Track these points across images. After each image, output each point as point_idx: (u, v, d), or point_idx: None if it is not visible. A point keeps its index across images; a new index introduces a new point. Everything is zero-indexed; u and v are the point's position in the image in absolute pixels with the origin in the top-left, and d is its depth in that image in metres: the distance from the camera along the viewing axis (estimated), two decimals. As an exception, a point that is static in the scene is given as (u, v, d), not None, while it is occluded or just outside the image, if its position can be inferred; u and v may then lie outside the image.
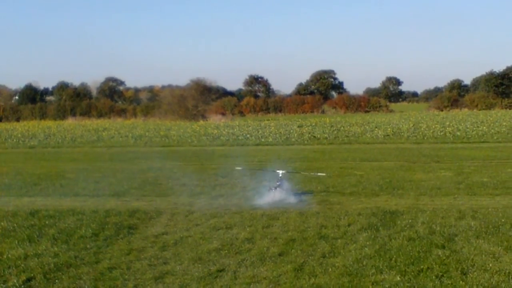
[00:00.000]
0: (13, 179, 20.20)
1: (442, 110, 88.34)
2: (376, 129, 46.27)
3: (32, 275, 8.73)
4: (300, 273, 8.58)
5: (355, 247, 9.91)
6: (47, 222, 12.34)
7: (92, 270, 8.92)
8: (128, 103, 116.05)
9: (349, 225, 11.51)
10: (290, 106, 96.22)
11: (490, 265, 8.74)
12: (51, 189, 17.65)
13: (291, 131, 46.82)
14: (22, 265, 9.24)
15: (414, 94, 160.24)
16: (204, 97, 78.16)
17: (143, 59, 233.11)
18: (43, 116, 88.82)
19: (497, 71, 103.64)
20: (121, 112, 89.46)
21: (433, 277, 8.25)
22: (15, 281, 8.45)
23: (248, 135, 43.35)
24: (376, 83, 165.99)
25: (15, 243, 10.60)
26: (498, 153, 27.24)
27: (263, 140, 39.89)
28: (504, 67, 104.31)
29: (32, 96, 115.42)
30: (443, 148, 31.14)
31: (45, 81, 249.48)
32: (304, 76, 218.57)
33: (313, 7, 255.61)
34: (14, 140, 44.78)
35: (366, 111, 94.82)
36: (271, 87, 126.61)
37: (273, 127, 50.98)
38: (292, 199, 14.24)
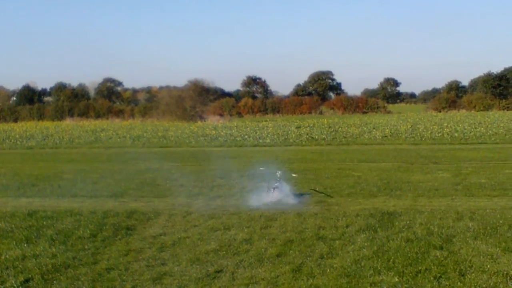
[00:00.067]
0: (10, 179, 20.17)
1: (440, 111, 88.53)
2: (374, 130, 46.31)
3: (30, 276, 8.71)
4: (298, 274, 8.59)
5: (353, 248, 9.91)
6: (45, 223, 12.32)
7: (90, 271, 8.91)
8: (126, 104, 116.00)
9: (347, 226, 11.52)
10: (288, 107, 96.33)
11: (488, 266, 8.75)
12: (49, 190, 17.63)
13: (289, 132, 46.86)
14: (20, 266, 9.23)
15: (412, 95, 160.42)
16: (202, 98, 78.24)
17: (141, 60, 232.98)
18: (41, 117, 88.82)
19: (495, 72, 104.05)
20: (119, 113, 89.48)
21: (431, 278, 8.26)
22: (12, 282, 8.43)
23: (246, 136, 43.35)
24: (374, 84, 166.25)
25: (13, 244, 10.59)
26: (496, 154, 27.28)
27: (261, 141, 39.90)
28: (502, 68, 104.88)
29: (30, 97, 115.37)
30: (441, 149, 31.17)
31: (43, 81, 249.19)
32: (302, 77, 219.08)
33: (311, 8, 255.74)
34: (12, 140, 44.72)
35: (364, 112, 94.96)
36: (269, 88, 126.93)
37: (271, 128, 51.01)
38: (291, 200, 14.25)
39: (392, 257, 9.23)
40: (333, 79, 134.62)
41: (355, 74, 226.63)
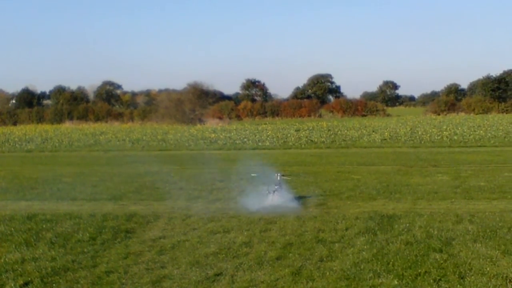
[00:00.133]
0: (10, 183, 20.17)
1: (439, 114, 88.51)
2: (373, 133, 46.33)
3: (29, 279, 8.71)
4: (298, 277, 8.59)
5: (352, 251, 9.92)
6: (44, 226, 12.32)
7: (89, 274, 8.91)
8: (125, 107, 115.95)
9: (346, 229, 11.52)
10: (287, 110, 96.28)
11: (488, 269, 8.75)
12: (48, 193, 17.62)
13: (288, 135, 46.86)
14: (19, 269, 9.23)
15: (411, 98, 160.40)
16: (201, 101, 78.21)
17: (140, 63, 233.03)
18: (40, 120, 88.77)
19: (494, 75, 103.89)
20: (118, 116, 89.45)
21: (431, 281, 8.26)
22: (12, 285, 8.44)
23: (245, 139, 43.34)
24: (373, 87, 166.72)
25: (12, 247, 10.59)
26: (495, 157, 27.31)
27: (260, 144, 39.90)
28: (501, 71, 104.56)
29: (29, 100, 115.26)
30: (440, 152, 31.19)
31: (42, 85, 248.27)
32: (301, 80, 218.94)
33: (310, 11, 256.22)
34: (11, 144, 44.70)
35: (363, 115, 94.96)
36: (268, 91, 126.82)
37: (270, 131, 51.02)
38: (290, 203, 14.24)
39: (392, 260, 9.23)
40: (332, 82, 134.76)
41: (354, 77, 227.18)
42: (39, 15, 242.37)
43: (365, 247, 10.12)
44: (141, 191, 17.62)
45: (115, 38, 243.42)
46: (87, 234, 11.46)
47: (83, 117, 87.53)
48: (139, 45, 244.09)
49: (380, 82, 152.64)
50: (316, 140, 41.82)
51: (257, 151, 35.10)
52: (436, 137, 41.13)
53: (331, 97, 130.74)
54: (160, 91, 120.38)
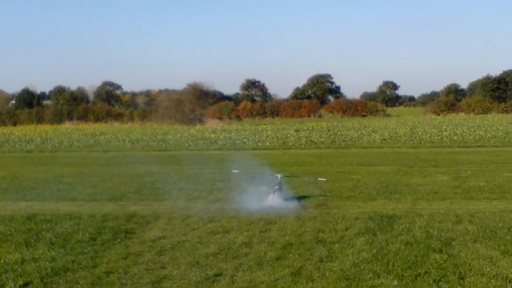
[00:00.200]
0: (10, 183, 20.16)
1: (438, 115, 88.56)
2: (373, 133, 46.33)
3: (29, 279, 8.71)
4: (298, 277, 8.59)
5: (352, 251, 9.92)
6: (44, 227, 12.32)
7: (89, 275, 8.91)
8: (125, 107, 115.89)
9: (346, 230, 11.52)
10: (287, 110, 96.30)
11: (488, 269, 8.75)
12: (48, 193, 17.61)
13: (288, 135, 46.86)
14: (19, 269, 9.23)
15: (411, 99, 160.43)
16: (201, 101, 78.16)
17: (140, 63, 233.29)
18: (40, 120, 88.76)
19: (494, 76, 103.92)
20: (118, 116, 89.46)
21: (431, 281, 8.26)
22: (12, 285, 8.44)
23: (245, 140, 43.34)
24: (373, 88, 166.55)
25: (12, 248, 10.59)
26: (495, 158, 27.31)
27: (260, 144, 39.90)
28: (501, 72, 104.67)
29: (29, 101, 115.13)
30: (440, 153, 31.19)
31: (42, 85, 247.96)
32: (301, 80, 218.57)
33: (310, 11, 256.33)
34: (11, 144, 44.69)
35: (363, 116, 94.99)
36: (268, 91, 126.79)
37: (270, 131, 51.02)
38: (290, 203, 14.24)
39: (392, 260, 9.23)
40: (332, 83, 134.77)
41: (354, 78, 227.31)
42: (39, 15, 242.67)
43: (365, 247, 10.12)
44: (141, 191, 17.62)
45: (115, 38, 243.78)
46: (87, 235, 11.46)
47: (83, 117, 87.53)
48: (139, 45, 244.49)
49: (380, 83, 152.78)
50: (316, 140, 41.82)
51: (257, 152, 35.08)
52: (436, 137, 41.14)
53: (331, 98, 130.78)
54: (160, 91, 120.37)
